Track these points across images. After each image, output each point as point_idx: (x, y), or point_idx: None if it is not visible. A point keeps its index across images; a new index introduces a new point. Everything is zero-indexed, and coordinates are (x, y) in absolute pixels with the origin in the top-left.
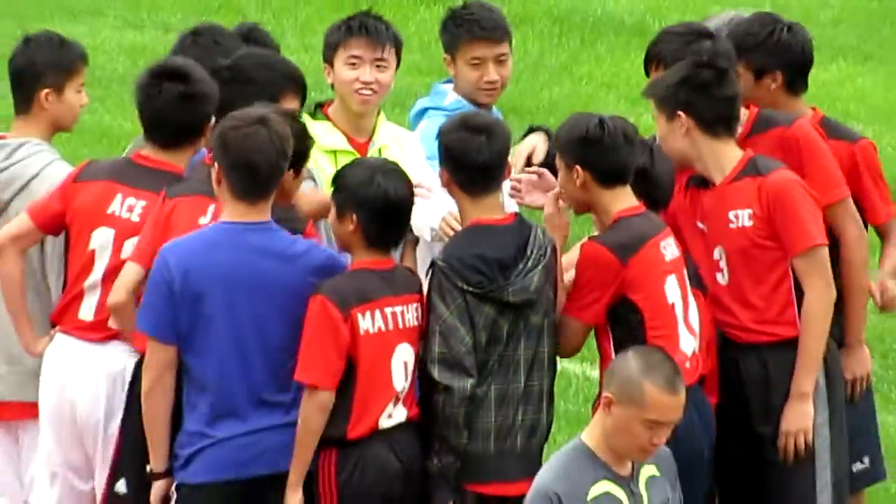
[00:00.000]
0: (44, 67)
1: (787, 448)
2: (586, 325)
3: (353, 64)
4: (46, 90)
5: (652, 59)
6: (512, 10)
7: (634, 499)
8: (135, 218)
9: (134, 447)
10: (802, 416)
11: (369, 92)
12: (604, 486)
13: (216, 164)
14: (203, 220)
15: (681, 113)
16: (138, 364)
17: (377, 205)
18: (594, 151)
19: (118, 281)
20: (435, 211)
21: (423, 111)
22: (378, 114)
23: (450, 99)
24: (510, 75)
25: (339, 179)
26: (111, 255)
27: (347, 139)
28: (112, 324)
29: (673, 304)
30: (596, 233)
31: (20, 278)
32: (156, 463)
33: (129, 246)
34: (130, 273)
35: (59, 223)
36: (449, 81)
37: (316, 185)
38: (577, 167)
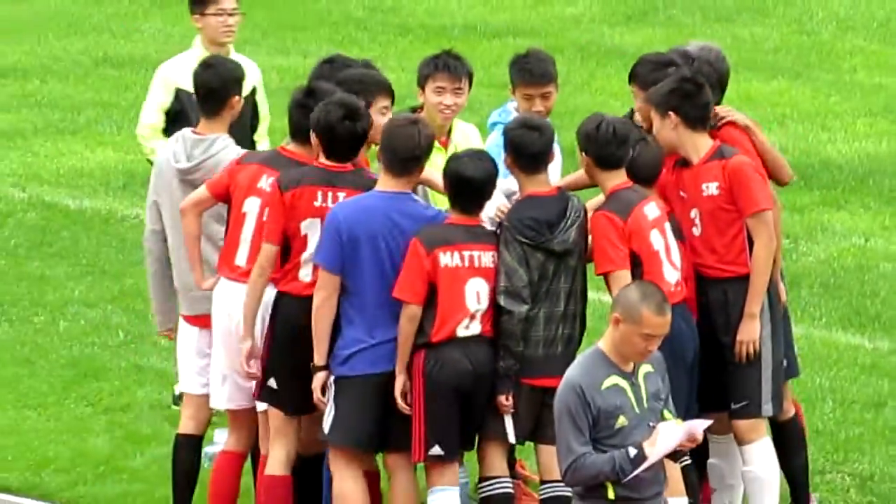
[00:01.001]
0: (232, 83)
1: (741, 353)
2: (625, 270)
3: (439, 92)
4: (236, 97)
5: (631, 78)
6: (548, 42)
7: (635, 388)
8: None
9: (279, 355)
10: (752, 330)
11: (450, 112)
12: (613, 380)
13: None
14: (317, 203)
15: (671, 113)
16: (277, 295)
17: (453, 179)
18: (593, 144)
19: (260, 258)
20: (491, 205)
21: (494, 124)
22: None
23: (511, 117)
24: (553, 106)
25: None
26: (257, 217)
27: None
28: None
29: (658, 251)
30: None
31: (198, 233)
32: (319, 359)
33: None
34: (266, 252)
35: (226, 193)
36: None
37: None
38: (583, 153)
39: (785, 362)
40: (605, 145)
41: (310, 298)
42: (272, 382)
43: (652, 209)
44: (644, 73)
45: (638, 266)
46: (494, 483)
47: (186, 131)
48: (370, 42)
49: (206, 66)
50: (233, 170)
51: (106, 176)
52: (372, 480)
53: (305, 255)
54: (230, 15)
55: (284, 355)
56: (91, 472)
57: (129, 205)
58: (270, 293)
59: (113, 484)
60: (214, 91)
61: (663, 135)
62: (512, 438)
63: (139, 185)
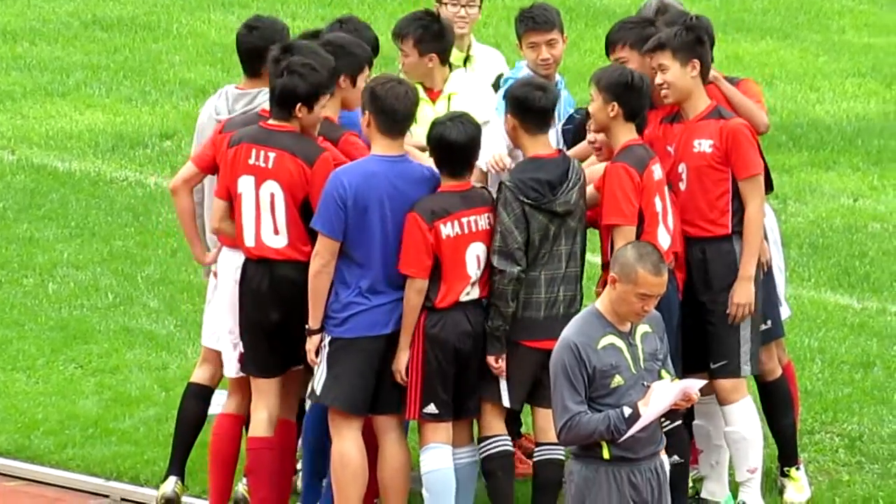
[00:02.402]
0: (266, 52)
1: (736, 315)
2: (632, 227)
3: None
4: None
5: (618, 42)
6: None
7: (632, 348)
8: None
9: (243, 318)
10: (748, 292)
11: (402, 72)
12: (609, 339)
13: (367, 112)
14: (251, 161)
15: (695, 60)
16: (245, 263)
17: (437, 144)
18: (632, 95)
19: (212, 214)
20: (489, 150)
21: (507, 80)
22: (450, 69)
23: (523, 72)
24: (561, 54)
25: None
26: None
27: (424, 90)
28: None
29: (658, 212)
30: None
31: (192, 209)
32: (314, 322)
33: None
34: (216, 206)
35: (213, 165)
36: None
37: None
38: (614, 103)
39: (769, 323)
40: (643, 97)
41: (266, 263)
42: (240, 346)
43: (658, 171)
44: (634, 34)
45: (640, 223)
46: (493, 441)
47: (229, 87)
48: (359, 3)
49: (249, 28)
50: (216, 140)
51: (95, 138)
52: (370, 441)
53: (245, 219)
54: (464, 6)
55: (246, 319)
56: (80, 434)
57: (117, 167)
58: (240, 258)
59: (102, 446)
60: (248, 55)
61: (683, 81)
62: (507, 402)
63: (128, 147)
